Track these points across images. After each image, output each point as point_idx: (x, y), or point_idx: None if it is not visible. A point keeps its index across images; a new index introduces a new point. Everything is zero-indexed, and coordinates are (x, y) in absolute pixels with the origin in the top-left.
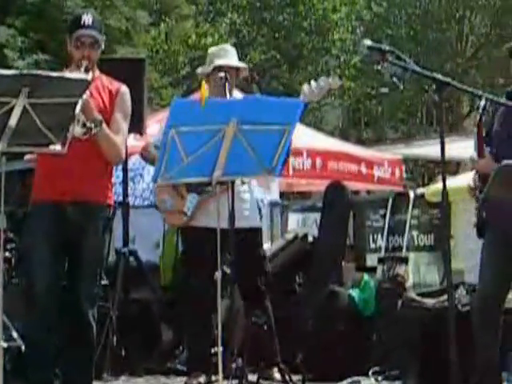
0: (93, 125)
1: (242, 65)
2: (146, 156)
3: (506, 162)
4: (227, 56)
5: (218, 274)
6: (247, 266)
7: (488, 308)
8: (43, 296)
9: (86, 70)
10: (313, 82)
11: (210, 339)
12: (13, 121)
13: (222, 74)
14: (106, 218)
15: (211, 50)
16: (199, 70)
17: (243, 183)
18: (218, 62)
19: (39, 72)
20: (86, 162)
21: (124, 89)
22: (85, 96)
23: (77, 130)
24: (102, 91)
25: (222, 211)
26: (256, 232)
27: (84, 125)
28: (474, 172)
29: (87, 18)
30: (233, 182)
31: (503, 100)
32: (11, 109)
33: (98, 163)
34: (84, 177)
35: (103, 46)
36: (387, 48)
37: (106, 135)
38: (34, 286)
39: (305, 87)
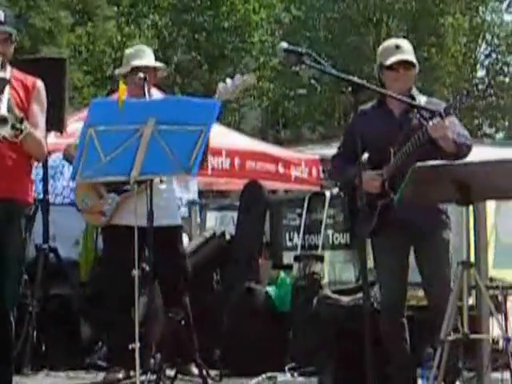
0: (23, 126)
1: (159, 65)
2: (67, 156)
3: (419, 163)
4: (144, 56)
5: (135, 272)
6: (167, 264)
7: (395, 311)
8: None
9: (2, 66)
10: (228, 80)
11: (129, 335)
12: None
13: (140, 75)
14: (27, 216)
15: (128, 50)
16: (117, 71)
17: (161, 182)
18: (136, 62)
19: None
20: (5, 160)
21: (39, 83)
22: (7, 95)
23: (7, 131)
24: (18, 87)
25: (141, 209)
26: (176, 230)
27: (13, 126)
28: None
29: None
30: (151, 181)
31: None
32: None
33: (19, 161)
34: (5, 175)
35: (16, 41)
36: (304, 51)
37: (31, 133)
38: None
39: (220, 86)
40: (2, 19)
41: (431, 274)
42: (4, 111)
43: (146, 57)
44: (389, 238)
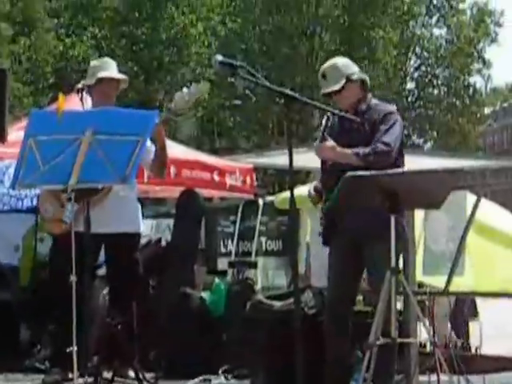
0: None
1: (122, 77)
2: None
3: (349, 173)
4: (109, 69)
5: (72, 277)
6: (120, 269)
7: (337, 308)
8: None
9: None
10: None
11: (68, 338)
12: None
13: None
14: None
15: (93, 62)
16: (82, 82)
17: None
18: (101, 74)
19: None
20: None
21: None
22: None
23: None
24: None
25: (97, 217)
26: (133, 236)
27: None
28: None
29: None
30: (110, 189)
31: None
32: None
33: None
34: None
35: None
36: (238, 63)
37: None
38: None
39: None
40: None
41: (372, 286)
42: None
43: (111, 69)
44: (335, 244)
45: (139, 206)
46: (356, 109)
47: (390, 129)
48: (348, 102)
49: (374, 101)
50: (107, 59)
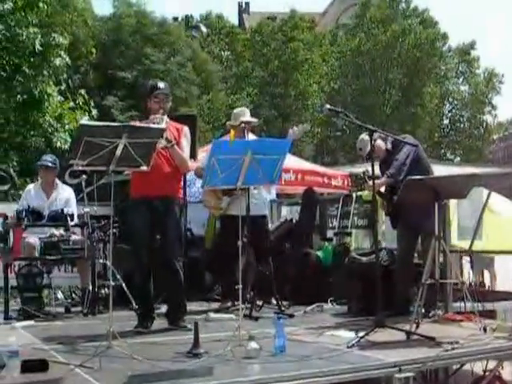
0: (173, 141)
1: (254, 120)
2: (197, 173)
3: (410, 177)
4: (246, 115)
5: (239, 243)
6: (258, 238)
7: (404, 263)
8: (143, 254)
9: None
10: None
11: (234, 279)
12: (118, 152)
13: (243, 126)
14: (179, 206)
15: (236, 110)
16: (229, 123)
17: (255, 188)
18: (242, 118)
19: (133, 123)
20: (164, 170)
21: (186, 128)
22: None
23: (162, 142)
24: (172, 129)
25: (243, 205)
26: (264, 217)
27: (166, 138)
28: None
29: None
30: (248, 188)
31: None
32: (117, 145)
33: (172, 171)
34: (163, 180)
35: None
36: (340, 109)
37: (175, 149)
38: (137, 248)
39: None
40: (163, 86)
41: (424, 248)
42: (163, 126)
43: (247, 115)
44: (400, 225)
45: (268, 198)
46: (384, 156)
47: (395, 161)
48: (379, 154)
49: (389, 145)
50: (244, 108)
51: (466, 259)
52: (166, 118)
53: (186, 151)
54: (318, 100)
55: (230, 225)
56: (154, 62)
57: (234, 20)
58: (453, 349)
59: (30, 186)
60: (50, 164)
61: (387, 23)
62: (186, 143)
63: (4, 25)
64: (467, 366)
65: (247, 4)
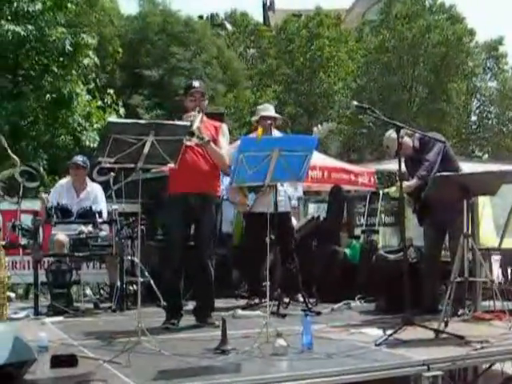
0: (205, 138)
1: (277, 116)
2: (224, 171)
3: (438, 174)
4: (269, 110)
5: (267, 240)
6: (284, 234)
7: (431, 261)
8: (176, 250)
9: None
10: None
11: (262, 276)
12: (146, 150)
13: (268, 121)
14: (217, 203)
15: (259, 106)
16: (253, 118)
17: (281, 185)
18: (263, 113)
19: (159, 121)
20: (202, 168)
21: (224, 125)
22: (198, 123)
23: (194, 141)
24: (210, 126)
25: (269, 202)
26: (288, 213)
27: (197, 136)
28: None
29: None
30: (276, 185)
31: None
32: (144, 143)
33: (210, 169)
34: (201, 177)
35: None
36: (367, 106)
37: (212, 146)
38: (172, 244)
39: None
40: (198, 84)
41: (452, 246)
42: (194, 128)
43: (270, 110)
44: (428, 222)
45: (295, 195)
46: (411, 154)
47: (426, 162)
48: (406, 152)
49: (416, 142)
50: (266, 104)
51: (494, 258)
52: (201, 115)
53: (224, 148)
54: (344, 97)
55: (256, 222)
56: (179, 60)
57: (259, 18)
58: (482, 348)
59: (63, 181)
60: (80, 163)
61: (413, 19)
62: (223, 140)
63: (34, 25)
64: (497, 366)
65: (272, 1)
